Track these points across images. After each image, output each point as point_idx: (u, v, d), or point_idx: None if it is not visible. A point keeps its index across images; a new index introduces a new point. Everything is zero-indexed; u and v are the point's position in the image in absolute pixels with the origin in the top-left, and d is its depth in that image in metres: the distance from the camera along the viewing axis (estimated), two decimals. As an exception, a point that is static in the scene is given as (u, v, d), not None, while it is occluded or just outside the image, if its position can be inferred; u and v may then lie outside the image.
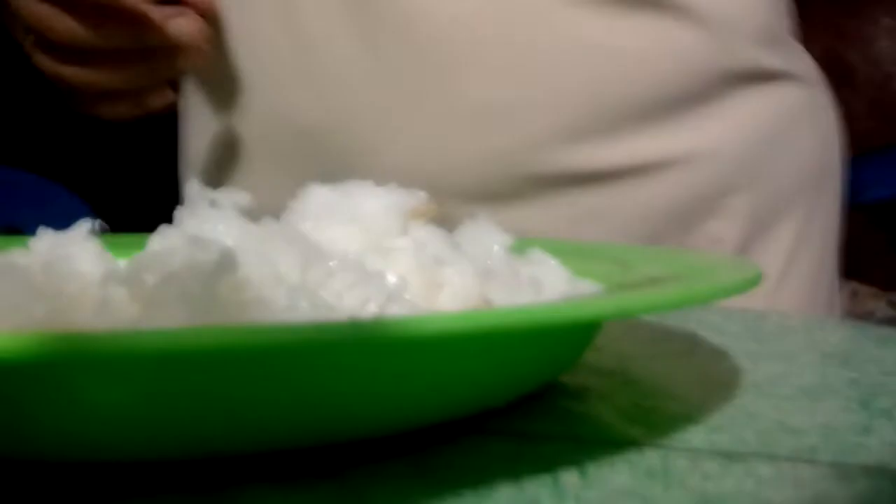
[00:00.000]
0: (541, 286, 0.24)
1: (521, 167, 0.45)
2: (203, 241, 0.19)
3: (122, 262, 0.22)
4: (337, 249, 0.24)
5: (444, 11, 0.44)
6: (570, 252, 0.28)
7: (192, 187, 0.22)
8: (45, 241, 0.21)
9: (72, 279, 0.19)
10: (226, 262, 0.18)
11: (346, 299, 0.20)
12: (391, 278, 0.23)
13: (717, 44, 0.48)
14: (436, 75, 0.44)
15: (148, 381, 0.16)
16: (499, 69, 0.44)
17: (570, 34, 0.44)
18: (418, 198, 0.26)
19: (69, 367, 0.15)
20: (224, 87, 0.50)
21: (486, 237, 0.26)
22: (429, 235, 0.25)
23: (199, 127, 0.53)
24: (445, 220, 0.26)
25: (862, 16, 1.63)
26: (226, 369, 0.16)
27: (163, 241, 0.21)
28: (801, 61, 0.54)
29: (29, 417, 0.16)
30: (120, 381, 0.15)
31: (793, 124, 0.52)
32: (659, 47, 0.46)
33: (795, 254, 0.52)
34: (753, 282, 0.22)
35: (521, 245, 0.27)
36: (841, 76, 1.56)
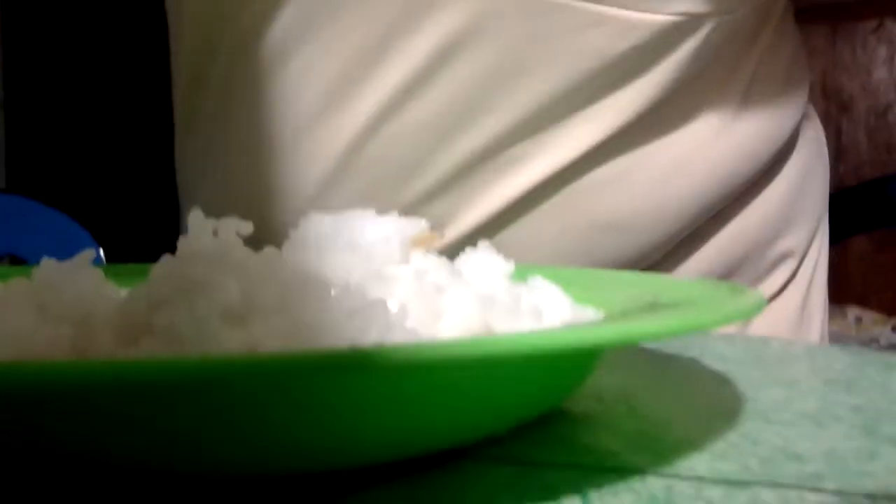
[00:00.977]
0: (542, 313, 0.24)
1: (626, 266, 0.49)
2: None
3: (123, 292, 0.22)
4: (338, 277, 0.24)
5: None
6: (570, 279, 0.28)
7: (195, 216, 0.22)
8: (48, 270, 0.22)
9: (77, 307, 0.19)
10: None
11: (347, 327, 0.20)
12: (392, 306, 0.23)
13: (778, 130, 0.51)
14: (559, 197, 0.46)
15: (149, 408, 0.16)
16: (612, 192, 0.46)
17: (665, 158, 0.47)
18: (420, 226, 0.26)
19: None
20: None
21: (487, 264, 0.26)
22: (429, 263, 0.25)
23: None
24: None
25: (858, 46, 1.64)
26: (227, 396, 0.16)
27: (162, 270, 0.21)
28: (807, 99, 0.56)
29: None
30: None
31: (812, 163, 0.55)
32: (738, 152, 0.49)
33: (812, 282, 0.54)
34: (755, 309, 0.22)
35: (522, 272, 0.27)
36: (840, 105, 1.57)
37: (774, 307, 0.53)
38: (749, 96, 0.49)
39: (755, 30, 0.49)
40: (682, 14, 0.42)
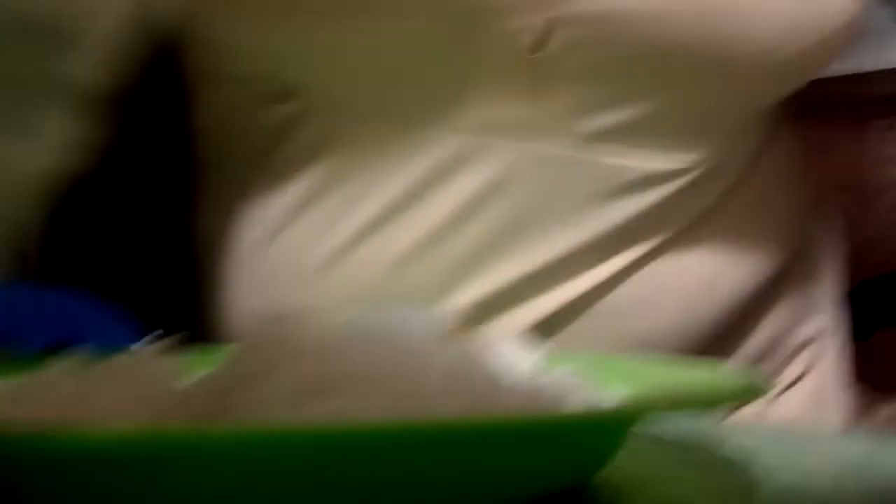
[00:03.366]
0: (564, 400, 0.25)
1: None
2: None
3: (193, 376, 0.23)
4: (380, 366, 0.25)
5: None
6: (592, 365, 0.29)
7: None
8: (125, 358, 0.23)
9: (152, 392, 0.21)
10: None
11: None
12: (427, 394, 0.23)
13: (794, 226, 0.52)
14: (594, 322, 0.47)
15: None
16: (643, 312, 0.47)
17: (681, 283, 0.47)
18: (451, 317, 0.28)
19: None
20: None
21: (512, 352, 0.27)
22: (460, 352, 0.25)
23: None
24: None
25: (875, 141, 1.65)
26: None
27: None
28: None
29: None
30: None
31: (826, 248, 0.56)
32: (762, 259, 0.49)
33: (832, 366, 0.54)
34: (757, 391, 0.22)
35: (547, 360, 0.28)
36: (858, 200, 1.56)
37: (792, 394, 0.53)
38: (765, 197, 0.50)
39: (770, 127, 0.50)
40: (701, 162, 0.44)
